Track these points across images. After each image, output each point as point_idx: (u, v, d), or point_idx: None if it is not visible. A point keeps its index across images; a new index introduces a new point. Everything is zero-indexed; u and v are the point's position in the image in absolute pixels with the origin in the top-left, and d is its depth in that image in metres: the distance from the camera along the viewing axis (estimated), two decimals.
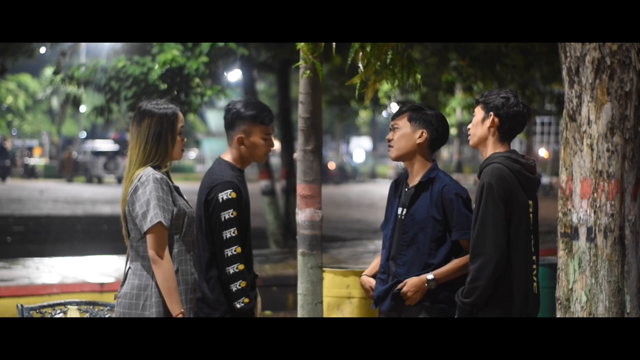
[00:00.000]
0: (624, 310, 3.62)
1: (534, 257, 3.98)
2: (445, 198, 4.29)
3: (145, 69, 9.34)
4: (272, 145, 4.35)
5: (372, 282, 4.53)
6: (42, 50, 13.44)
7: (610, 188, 3.60)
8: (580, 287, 3.65)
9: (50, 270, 10.39)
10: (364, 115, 44.00)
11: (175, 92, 9.41)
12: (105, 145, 41.05)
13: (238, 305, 4.08)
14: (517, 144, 37.11)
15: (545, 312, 4.14)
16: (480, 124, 4.07)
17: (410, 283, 4.26)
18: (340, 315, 5.51)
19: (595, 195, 3.62)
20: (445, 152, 51.75)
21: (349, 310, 5.50)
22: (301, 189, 5.48)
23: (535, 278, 3.97)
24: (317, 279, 5.46)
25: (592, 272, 3.62)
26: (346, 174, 44.93)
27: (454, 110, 24.03)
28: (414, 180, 4.40)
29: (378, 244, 13.20)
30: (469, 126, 4.14)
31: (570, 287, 3.68)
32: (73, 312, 4.29)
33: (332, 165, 43.40)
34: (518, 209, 3.91)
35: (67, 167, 40.14)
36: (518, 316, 3.87)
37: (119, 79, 9.56)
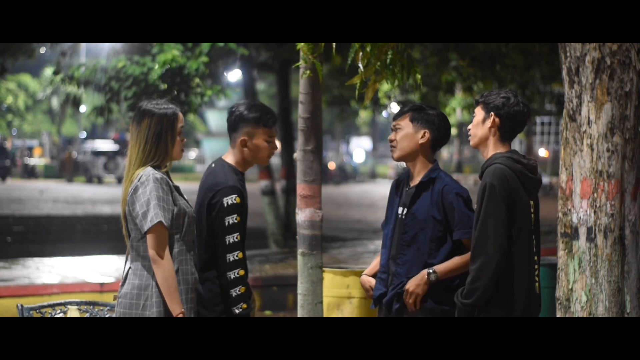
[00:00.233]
0: (624, 310, 3.62)
1: (535, 258, 3.98)
2: (445, 198, 4.29)
3: (145, 69, 9.34)
4: (275, 147, 4.36)
5: (372, 281, 4.53)
6: (42, 50, 13.44)
7: (610, 188, 3.60)
8: (580, 287, 3.65)
9: (50, 270, 10.39)
10: (364, 115, 44.01)
11: (175, 92, 9.41)
12: (105, 145, 41.05)
13: (237, 311, 4.09)
14: (517, 144, 37.08)
15: (545, 312, 4.14)
16: (481, 124, 4.06)
17: (411, 281, 4.26)
18: (340, 315, 5.51)
19: (595, 195, 3.62)
20: (445, 152, 51.76)
21: (349, 310, 5.50)
22: (301, 189, 5.48)
23: (536, 278, 3.97)
24: (317, 279, 5.46)
25: (592, 272, 3.62)
26: (346, 174, 44.93)
27: (454, 110, 24.06)
28: (415, 180, 4.40)
29: (378, 244, 13.19)
30: (470, 126, 4.14)
31: (570, 287, 3.68)
32: (73, 312, 4.29)
33: (332, 165, 43.40)
34: (520, 210, 3.91)
35: (67, 167, 40.14)
36: (520, 316, 3.87)
37: (119, 79, 9.56)
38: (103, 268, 10.62)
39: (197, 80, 9.46)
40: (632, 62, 3.60)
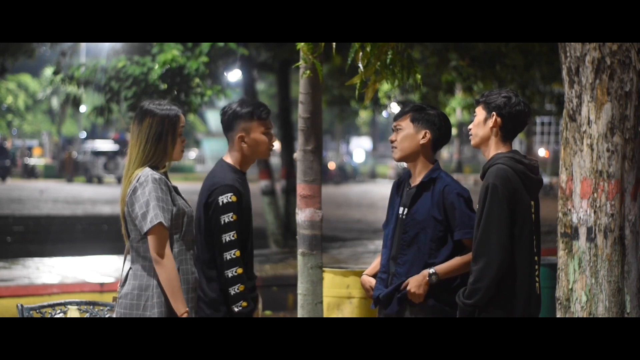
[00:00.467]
0: (624, 310, 3.62)
1: (536, 258, 3.98)
2: (446, 198, 4.29)
3: (145, 69, 9.34)
4: (274, 139, 4.35)
5: (373, 281, 4.53)
6: (42, 50, 13.45)
7: (610, 188, 3.60)
8: (580, 287, 3.65)
9: (50, 270, 10.39)
10: (364, 115, 44.02)
11: (175, 92, 9.42)
12: (105, 145, 41.05)
13: (236, 309, 4.08)
14: (517, 144, 37.02)
15: (545, 312, 4.13)
16: (482, 124, 4.06)
17: (412, 280, 4.26)
18: (340, 315, 5.51)
19: (595, 195, 3.62)
20: (445, 152, 51.74)
21: (349, 310, 5.50)
22: (301, 189, 5.49)
23: (537, 279, 3.97)
24: (317, 279, 5.46)
25: (592, 272, 3.62)
26: (346, 174, 44.92)
27: (454, 110, 24.07)
28: (416, 180, 4.40)
29: (378, 244, 13.20)
30: (470, 126, 4.14)
31: (570, 287, 3.68)
32: (73, 312, 4.29)
33: (332, 165, 43.40)
34: (522, 210, 3.91)
35: (67, 167, 40.13)
36: (520, 317, 3.87)
37: (119, 79, 9.56)
38: (103, 268, 10.61)
39: (197, 80, 9.46)
40: (632, 62, 3.60)
